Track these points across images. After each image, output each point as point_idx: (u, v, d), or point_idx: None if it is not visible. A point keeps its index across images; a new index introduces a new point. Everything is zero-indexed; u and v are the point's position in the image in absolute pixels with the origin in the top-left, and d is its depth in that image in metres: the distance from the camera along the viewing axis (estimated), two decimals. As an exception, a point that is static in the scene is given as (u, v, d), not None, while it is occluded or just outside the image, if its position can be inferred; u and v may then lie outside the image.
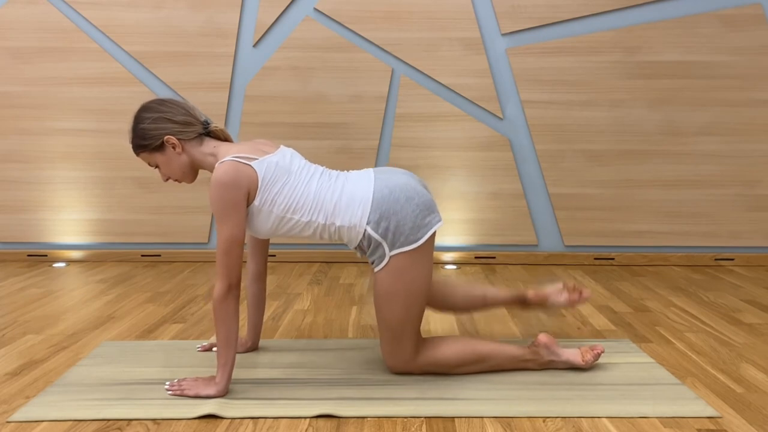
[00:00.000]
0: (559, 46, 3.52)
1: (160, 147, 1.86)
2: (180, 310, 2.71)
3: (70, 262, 3.68)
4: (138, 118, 1.87)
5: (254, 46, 3.57)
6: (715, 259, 3.63)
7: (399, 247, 1.82)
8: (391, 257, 1.83)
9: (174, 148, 1.86)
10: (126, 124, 3.78)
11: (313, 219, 1.86)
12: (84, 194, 3.67)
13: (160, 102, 1.88)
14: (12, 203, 3.69)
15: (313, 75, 3.57)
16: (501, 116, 3.58)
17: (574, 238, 3.65)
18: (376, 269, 1.88)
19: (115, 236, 3.70)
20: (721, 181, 3.59)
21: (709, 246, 3.65)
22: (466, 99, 3.57)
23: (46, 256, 3.71)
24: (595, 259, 3.65)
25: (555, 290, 2.17)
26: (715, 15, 3.49)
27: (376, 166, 3.61)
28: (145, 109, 1.88)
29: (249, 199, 1.82)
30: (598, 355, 1.98)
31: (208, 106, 3.56)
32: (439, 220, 1.88)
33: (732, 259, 3.63)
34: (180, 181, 1.94)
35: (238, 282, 1.81)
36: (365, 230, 1.83)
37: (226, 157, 1.81)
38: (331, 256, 3.70)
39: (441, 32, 3.53)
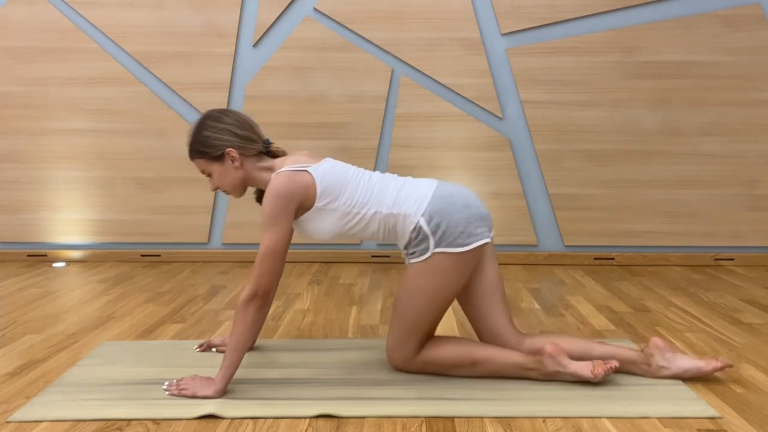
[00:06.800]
0: (559, 46, 3.52)
1: (219, 157, 1.87)
2: (180, 310, 2.71)
3: (70, 262, 3.68)
4: (202, 125, 1.88)
5: (254, 46, 3.57)
6: (715, 259, 3.63)
7: (444, 247, 1.83)
8: (433, 254, 1.84)
9: (233, 161, 1.87)
10: (125, 124, 3.78)
11: (378, 210, 1.87)
12: (84, 194, 3.67)
13: (226, 113, 1.91)
14: (12, 203, 3.69)
15: (313, 75, 3.56)
16: (501, 116, 3.58)
17: (574, 238, 3.65)
18: (412, 260, 1.87)
19: (115, 236, 3.70)
20: (721, 181, 3.59)
21: (709, 246, 3.65)
22: (466, 99, 3.57)
23: (46, 256, 3.71)
24: (595, 259, 3.65)
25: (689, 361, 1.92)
26: (715, 15, 3.49)
27: (376, 166, 3.61)
28: (209, 117, 1.89)
29: (306, 205, 1.85)
30: (611, 370, 1.83)
31: (208, 106, 3.55)
32: (490, 236, 1.89)
33: (732, 259, 3.63)
34: (228, 193, 1.94)
35: (266, 291, 1.82)
36: (418, 222, 1.84)
37: (282, 168, 1.85)
38: (331, 256, 3.70)
39: (441, 32, 3.53)
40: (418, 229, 1.85)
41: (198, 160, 1.90)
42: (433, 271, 1.84)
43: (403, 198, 1.88)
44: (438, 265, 1.84)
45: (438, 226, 1.83)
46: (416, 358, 1.92)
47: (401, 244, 1.93)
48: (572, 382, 1.88)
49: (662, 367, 1.91)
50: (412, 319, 1.88)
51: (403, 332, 1.90)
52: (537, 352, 1.88)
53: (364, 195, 1.88)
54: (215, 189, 1.94)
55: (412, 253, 1.88)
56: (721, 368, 1.89)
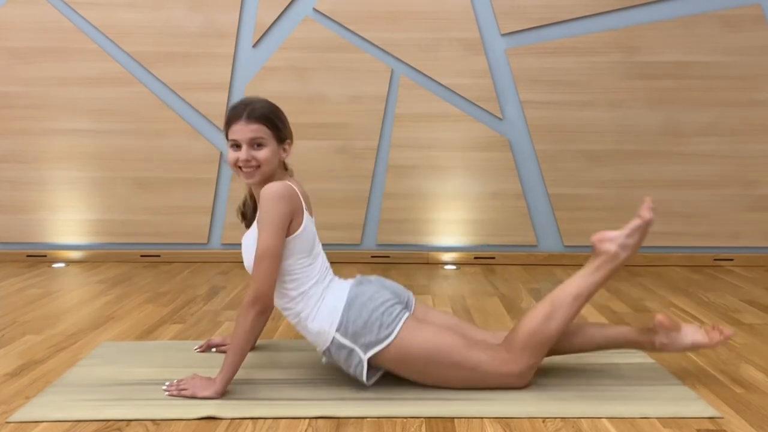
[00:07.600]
0: (559, 47, 3.52)
1: (279, 141, 1.87)
2: (179, 311, 2.71)
3: (69, 262, 3.68)
4: (278, 108, 1.90)
5: (254, 46, 3.57)
6: (715, 260, 3.63)
7: (373, 347, 1.80)
8: (370, 360, 1.80)
9: (284, 151, 1.90)
10: (125, 124, 3.77)
11: (297, 301, 1.87)
12: (83, 194, 3.67)
13: None
14: (11, 203, 3.68)
15: (313, 75, 3.56)
16: (500, 117, 3.58)
17: (573, 239, 3.64)
18: (366, 379, 1.83)
19: (114, 236, 3.70)
20: (721, 182, 3.59)
21: (709, 246, 3.65)
22: (466, 99, 3.57)
23: (45, 256, 3.71)
24: (595, 259, 3.64)
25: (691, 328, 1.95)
26: (715, 15, 3.49)
27: (375, 166, 3.61)
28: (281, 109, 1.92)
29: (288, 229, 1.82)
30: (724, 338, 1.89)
31: (208, 106, 3.57)
32: (407, 310, 1.89)
33: (731, 260, 3.63)
34: (251, 174, 1.85)
35: (267, 294, 1.78)
36: (334, 337, 1.82)
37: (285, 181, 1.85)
38: (330, 257, 3.66)
39: (441, 32, 3.53)
40: (336, 345, 1.82)
41: (264, 128, 1.84)
42: (396, 363, 1.82)
43: (319, 311, 1.85)
44: (390, 358, 1.81)
45: (356, 333, 1.80)
46: (513, 345, 1.81)
47: (318, 349, 1.90)
48: (572, 382, 1.89)
49: (665, 344, 1.91)
50: (460, 378, 1.83)
51: (475, 377, 1.82)
52: (594, 253, 2.03)
53: (304, 278, 1.86)
54: (248, 160, 1.83)
55: (357, 375, 1.83)
56: (724, 339, 1.89)
